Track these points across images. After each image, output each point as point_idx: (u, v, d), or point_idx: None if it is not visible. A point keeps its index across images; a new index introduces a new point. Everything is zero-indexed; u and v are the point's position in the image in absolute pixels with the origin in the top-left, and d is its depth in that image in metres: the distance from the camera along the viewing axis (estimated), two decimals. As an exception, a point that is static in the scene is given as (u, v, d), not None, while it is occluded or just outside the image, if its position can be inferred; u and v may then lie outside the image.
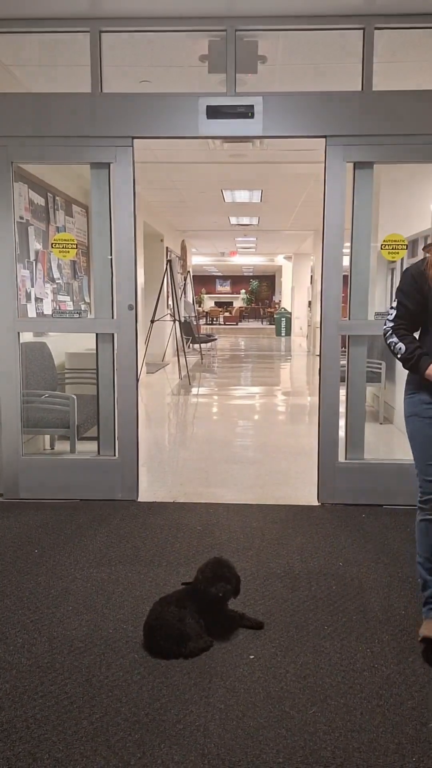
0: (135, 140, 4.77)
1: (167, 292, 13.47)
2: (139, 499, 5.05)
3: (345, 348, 5.05)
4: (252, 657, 2.93)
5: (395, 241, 4.86)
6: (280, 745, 2.34)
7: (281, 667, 2.84)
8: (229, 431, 7.77)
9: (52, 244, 5.21)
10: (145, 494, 5.16)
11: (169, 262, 12.86)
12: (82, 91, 4.75)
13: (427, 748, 2.33)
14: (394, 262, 8.59)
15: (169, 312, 14.10)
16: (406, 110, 4.62)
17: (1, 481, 5.09)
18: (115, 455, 5.12)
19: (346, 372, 5.03)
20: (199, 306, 36.04)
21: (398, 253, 4.89)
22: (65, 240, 5.08)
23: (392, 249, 4.88)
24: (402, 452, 6.42)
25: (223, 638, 3.07)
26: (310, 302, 20.42)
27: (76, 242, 5.08)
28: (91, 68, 4.73)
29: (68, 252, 5.07)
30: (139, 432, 5.09)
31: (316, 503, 4.98)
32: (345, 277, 4.85)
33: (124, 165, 4.77)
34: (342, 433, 5.05)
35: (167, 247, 15.25)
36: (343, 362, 5.03)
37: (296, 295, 23.46)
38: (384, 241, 4.91)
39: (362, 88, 4.67)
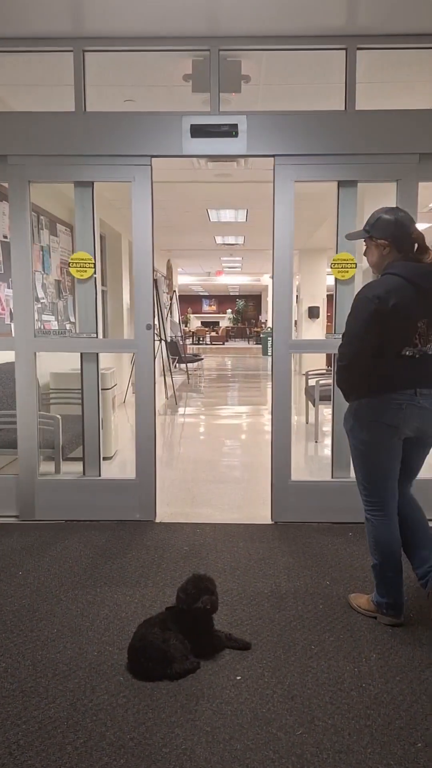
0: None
1: (153, 311, 13.47)
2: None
3: (331, 366, 5.06)
4: (239, 678, 2.89)
5: (344, 260, 4.88)
6: (267, 768, 2.30)
7: (268, 687, 2.81)
8: (215, 451, 7.74)
9: (69, 263, 5.16)
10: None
11: (155, 281, 12.87)
12: (66, 110, 4.75)
13: (416, 770, 2.30)
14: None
15: (155, 332, 14.09)
16: (389, 130, 4.66)
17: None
18: (99, 476, 5.08)
19: (331, 390, 5.03)
20: (186, 326, 36.07)
21: (348, 272, 4.91)
22: (83, 259, 5.04)
23: (342, 268, 4.91)
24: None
25: (209, 659, 3.03)
26: (296, 321, 20.46)
27: (93, 261, 5.02)
28: (74, 87, 4.74)
29: (86, 271, 5.01)
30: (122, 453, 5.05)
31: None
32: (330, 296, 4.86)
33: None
34: (328, 451, 5.04)
35: (153, 267, 15.26)
36: (330, 381, 5.02)
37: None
38: (333, 260, 4.96)
39: (345, 108, 4.70)
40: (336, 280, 4.91)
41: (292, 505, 4.95)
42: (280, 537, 4.63)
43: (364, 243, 3.39)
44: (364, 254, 3.42)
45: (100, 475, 5.08)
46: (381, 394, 3.21)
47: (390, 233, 3.28)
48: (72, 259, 4.97)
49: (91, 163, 4.76)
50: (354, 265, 4.93)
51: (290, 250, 4.83)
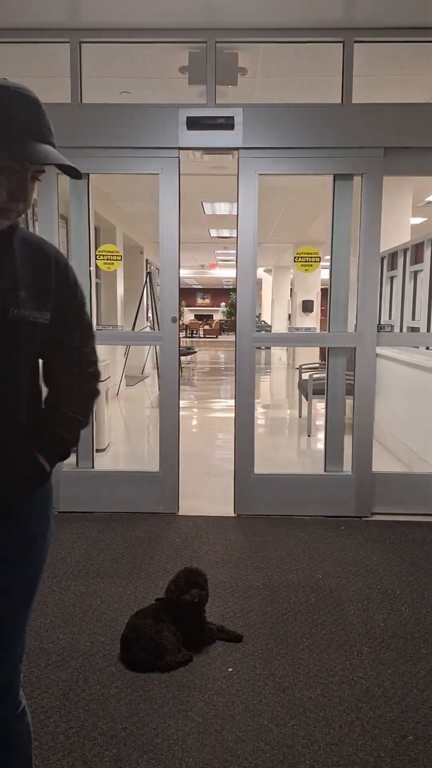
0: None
1: (147, 304, 13.45)
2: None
3: (324, 360, 5.06)
4: (231, 670, 2.90)
5: (308, 253, 4.89)
6: (258, 759, 2.31)
7: (260, 680, 2.82)
8: (207, 444, 7.74)
9: (96, 255, 5.16)
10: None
11: (149, 273, 12.83)
12: (62, 102, 4.73)
13: (406, 762, 2.31)
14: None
15: (148, 324, 14.07)
16: (385, 123, 4.65)
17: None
18: (92, 467, 5.08)
19: (325, 384, 5.04)
20: (179, 319, 35.99)
21: (311, 266, 4.92)
22: (110, 252, 5.03)
23: (305, 262, 4.93)
24: (383, 464, 6.42)
25: (201, 651, 3.04)
26: (290, 315, 20.46)
27: (120, 254, 5.00)
28: (71, 79, 4.72)
29: (113, 263, 5.00)
30: (113, 446, 5.05)
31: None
32: (324, 290, 4.88)
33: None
34: (320, 445, 5.05)
35: (147, 259, 15.23)
36: (323, 374, 5.03)
37: (276, 308, 23.49)
38: (297, 254, 4.98)
39: (342, 101, 4.69)
40: (331, 273, 4.90)
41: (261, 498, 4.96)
42: (272, 530, 4.64)
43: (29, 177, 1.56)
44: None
45: (93, 467, 5.07)
46: None
47: None
48: (99, 252, 4.98)
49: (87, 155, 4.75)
50: (318, 259, 4.96)
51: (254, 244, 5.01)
